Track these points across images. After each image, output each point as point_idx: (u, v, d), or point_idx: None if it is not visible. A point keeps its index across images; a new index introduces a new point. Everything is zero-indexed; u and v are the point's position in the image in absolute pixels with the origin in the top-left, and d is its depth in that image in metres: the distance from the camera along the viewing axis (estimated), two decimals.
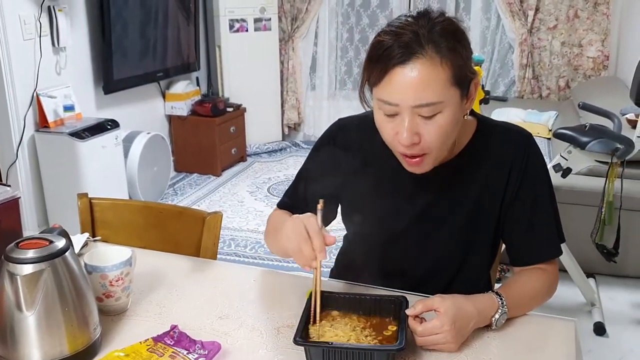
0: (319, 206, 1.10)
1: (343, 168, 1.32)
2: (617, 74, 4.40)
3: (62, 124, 3.37)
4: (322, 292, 1.14)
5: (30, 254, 0.99)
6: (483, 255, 1.32)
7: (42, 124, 3.32)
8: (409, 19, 1.09)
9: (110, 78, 3.75)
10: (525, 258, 1.27)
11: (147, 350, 1.05)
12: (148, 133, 3.88)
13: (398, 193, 1.28)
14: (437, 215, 1.27)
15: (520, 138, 1.25)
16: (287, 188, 1.44)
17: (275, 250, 1.29)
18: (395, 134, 1.11)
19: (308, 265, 1.07)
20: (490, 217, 1.26)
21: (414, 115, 1.08)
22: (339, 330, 1.08)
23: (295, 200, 1.40)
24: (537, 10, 4.57)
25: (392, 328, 1.10)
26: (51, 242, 1.03)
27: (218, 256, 1.59)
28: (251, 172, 4.71)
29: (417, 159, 1.13)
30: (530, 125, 3.83)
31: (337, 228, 1.48)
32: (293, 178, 1.43)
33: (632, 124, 2.91)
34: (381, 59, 1.07)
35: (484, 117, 1.29)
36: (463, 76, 1.09)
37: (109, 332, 1.14)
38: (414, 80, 1.05)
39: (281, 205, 1.42)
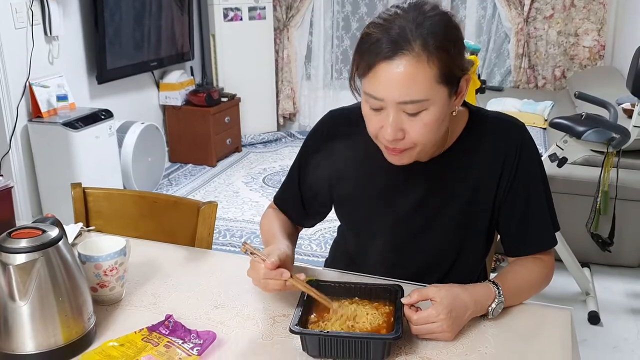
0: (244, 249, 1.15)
1: (335, 160, 1.31)
2: (613, 63, 4.40)
3: (56, 113, 3.34)
4: (318, 281, 1.14)
5: (23, 243, 0.98)
6: (478, 246, 1.32)
7: (35, 114, 3.30)
8: (399, 12, 1.07)
9: (104, 67, 3.72)
10: (520, 249, 1.27)
11: (141, 339, 1.05)
12: (142, 123, 3.86)
13: (391, 186, 1.27)
14: (430, 208, 1.26)
15: (512, 129, 1.24)
16: (283, 180, 1.44)
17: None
18: (381, 127, 1.10)
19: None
20: (485, 209, 1.25)
21: (399, 111, 1.07)
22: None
23: (288, 195, 1.41)
24: None
25: (388, 314, 1.09)
26: (44, 231, 1.02)
27: (213, 247, 1.58)
28: (246, 162, 4.69)
29: (398, 151, 1.13)
30: (526, 115, 3.82)
31: (331, 218, 1.48)
32: (288, 169, 1.43)
33: (628, 113, 2.91)
34: (368, 52, 1.06)
35: (476, 108, 1.27)
36: (451, 74, 1.07)
37: (104, 322, 1.13)
38: (399, 76, 1.03)
39: (276, 200, 1.44)
